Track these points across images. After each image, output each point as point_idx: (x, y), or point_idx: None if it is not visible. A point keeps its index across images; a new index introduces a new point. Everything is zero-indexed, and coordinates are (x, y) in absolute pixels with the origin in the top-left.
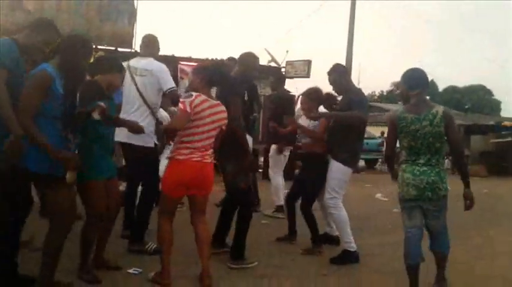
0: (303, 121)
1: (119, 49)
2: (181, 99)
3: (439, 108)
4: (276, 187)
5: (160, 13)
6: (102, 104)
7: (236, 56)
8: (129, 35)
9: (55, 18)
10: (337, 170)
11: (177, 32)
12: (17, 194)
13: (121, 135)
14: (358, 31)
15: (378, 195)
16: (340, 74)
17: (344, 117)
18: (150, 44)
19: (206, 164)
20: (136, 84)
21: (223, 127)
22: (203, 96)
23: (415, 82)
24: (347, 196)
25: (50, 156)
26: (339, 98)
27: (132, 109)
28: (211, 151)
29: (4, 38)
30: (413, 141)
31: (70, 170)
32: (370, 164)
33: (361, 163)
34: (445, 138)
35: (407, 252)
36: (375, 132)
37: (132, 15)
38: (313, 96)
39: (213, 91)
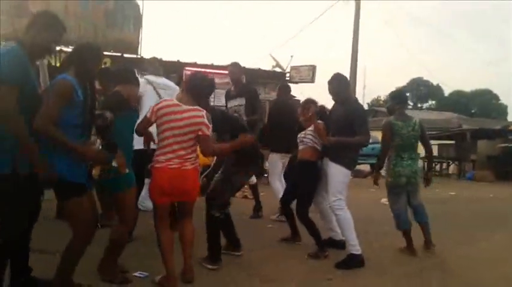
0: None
1: (125, 55)
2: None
3: (416, 119)
4: (276, 191)
5: (165, 18)
6: (121, 156)
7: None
8: (134, 42)
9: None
10: (339, 173)
11: (182, 38)
12: (35, 201)
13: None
14: (363, 35)
15: (383, 200)
16: (340, 83)
17: (350, 143)
18: (156, 66)
19: (185, 171)
20: (160, 96)
21: (200, 133)
22: (170, 102)
23: (399, 100)
24: (352, 200)
25: (76, 158)
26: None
27: None
28: (192, 156)
29: (9, 46)
30: (401, 141)
31: (97, 165)
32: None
33: (367, 168)
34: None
35: (400, 222)
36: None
37: (137, 20)
38: (308, 106)
39: None
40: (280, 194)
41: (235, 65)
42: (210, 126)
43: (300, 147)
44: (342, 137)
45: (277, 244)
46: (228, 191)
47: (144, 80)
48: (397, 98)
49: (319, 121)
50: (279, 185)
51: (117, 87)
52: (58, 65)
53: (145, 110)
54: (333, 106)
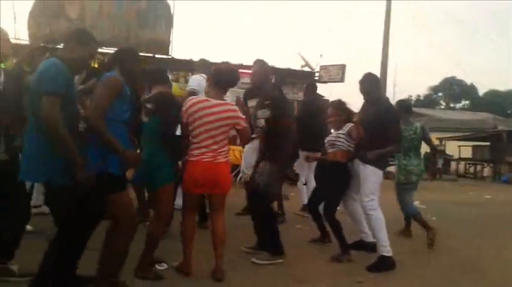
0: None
1: (156, 55)
2: None
3: (418, 124)
4: (300, 189)
5: (195, 18)
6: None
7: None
8: (166, 42)
9: (96, 24)
10: (371, 173)
11: (211, 38)
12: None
13: None
14: (394, 32)
15: (416, 202)
16: (371, 83)
17: (387, 153)
18: (208, 66)
19: (218, 164)
20: None
21: (238, 127)
22: (198, 98)
23: (406, 110)
24: (382, 202)
25: (119, 156)
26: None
27: None
28: (224, 150)
29: (51, 62)
30: (405, 143)
31: (133, 168)
32: None
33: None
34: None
35: (411, 212)
36: None
37: (169, 20)
38: (341, 107)
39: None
40: (303, 192)
41: (257, 62)
42: (244, 118)
43: (331, 150)
44: (372, 136)
45: (307, 244)
46: (272, 189)
47: (203, 78)
48: (404, 108)
49: (349, 124)
50: (301, 184)
51: (157, 88)
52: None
53: None
54: (363, 106)
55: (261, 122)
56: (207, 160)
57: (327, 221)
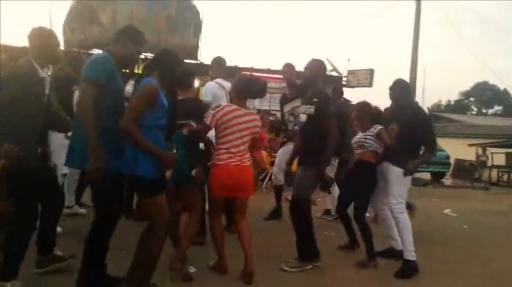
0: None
1: (185, 61)
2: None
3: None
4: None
5: (223, 24)
6: (193, 123)
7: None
8: (194, 47)
9: None
10: (400, 175)
11: (239, 43)
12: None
13: None
14: (423, 36)
15: (447, 210)
16: (402, 89)
17: (423, 162)
18: (224, 66)
19: (244, 167)
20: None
21: (257, 135)
22: (231, 107)
23: None
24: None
25: (155, 158)
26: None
27: None
28: (248, 155)
29: (99, 53)
30: None
31: (169, 169)
32: (437, 177)
33: (427, 176)
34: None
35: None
36: (443, 144)
37: (197, 26)
38: (365, 109)
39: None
40: (326, 197)
41: (287, 65)
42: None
43: (359, 150)
44: (403, 141)
45: (335, 251)
46: (306, 191)
47: (216, 85)
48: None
49: (377, 126)
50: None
51: (185, 92)
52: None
53: None
54: (392, 109)
55: (303, 118)
56: (234, 163)
57: (356, 222)
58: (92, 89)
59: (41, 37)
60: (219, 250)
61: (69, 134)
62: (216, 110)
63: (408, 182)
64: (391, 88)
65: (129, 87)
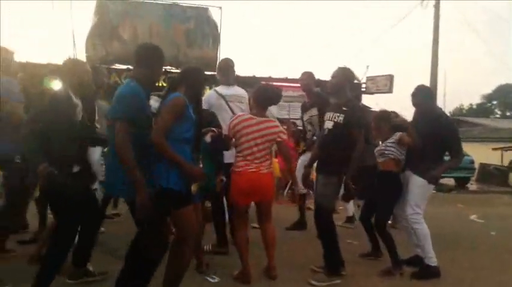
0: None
1: (205, 73)
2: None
3: None
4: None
5: (241, 35)
6: (214, 129)
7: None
8: (213, 58)
9: None
10: (421, 185)
11: (257, 53)
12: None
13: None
14: (443, 39)
15: (473, 216)
16: (424, 95)
17: (448, 169)
18: (228, 71)
19: (262, 174)
20: (233, 111)
21: (278, 139)
22: (245, 116)
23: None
24: (438, 215)
25: (183, 172)
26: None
27: None
28: (267, 162)
29: (128, 86)
30: None
31: (197, 183)
32: (462, 182)
33: (451, 182)
34: None
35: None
36: (466, 148)
37: (215, 38)
38: (383, 118)
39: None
40: (348, 206)
41: (304, 73)
42: (285, 131)
43: (381, 159)
44: (427, 150)
45: (358, 259)
46: (328, 200)
47: (214, 93)
48: None
49: (399, 133)
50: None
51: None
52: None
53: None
54: (416, 116)
55: (329, 125)
56: (251, 170)
57: (377, 233)
58: (125, 127)
59: (75, 68)
60: (243, 257)
61: (105, 149)
62: (231, 120)
63: (428, 192)
64: (413, 95)
65: (153, 103)
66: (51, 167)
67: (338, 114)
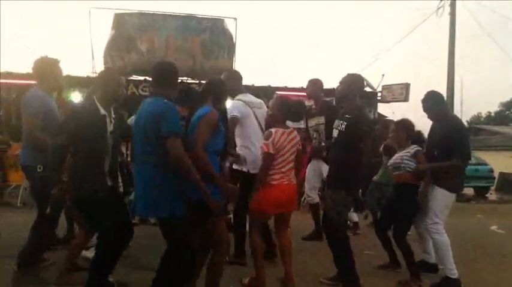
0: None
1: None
2: (263, 141)
3: None
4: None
5: (256, 45)
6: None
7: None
8: (229, 69)
9: (164, 56)
10: (441, 196)
11: (272, 63)
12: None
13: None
14: (459, 45)
15: (493, 227)
16: (435, 101)
17: (443, 168)
18: (238, 80)
19: (293, 185)
20: (256, 117)
21: (298, 147)
22: (280, 130)
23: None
24: (458, 226)
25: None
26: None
27: (257, 139)
28: (293, 172)
29: (167, 104)
30: None
31: (230, 201)
32: (481, 192)
33: (470, 191)
34: None
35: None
36: (485, 157)
37: (231, 49)
38: (401, 125)
39: None
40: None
41: (310, 81)
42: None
43: (396, 172)
44: (441, 157)
45: (375, 271)
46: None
47: (240, 102)
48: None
49: (415, 146)
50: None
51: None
52: None
53: (250, 135)
54: (432, 125)
55: (335, 133)
56: (286, 183)
57: (397, 244)
58: (180, 141)
59: (104, 79)
60: (259, 264)
61: None
62: (272, 137)
63: (449, 202)
64: (423, 101)
65: None
66: (77, 179)
67: (342, 122)
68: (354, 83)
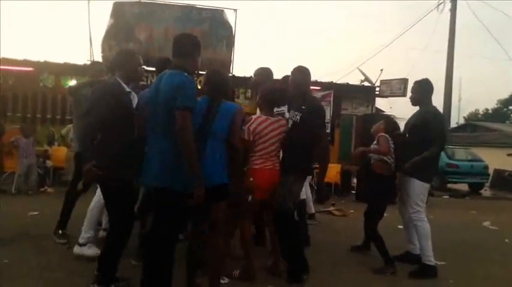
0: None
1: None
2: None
3: None
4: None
5: (255, 37)
6: None
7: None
8: (227, 61)
9: (163, 46)
10: (417, 187)
11: (272, 55)
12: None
13: None
14: (458, 42)
15: (486, 223)
16: (421, 87)
17: (425, 159)
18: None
19: (276, 170)
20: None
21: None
22: (262, 118)
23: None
24: (451, 222)
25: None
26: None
27: None
28: (277, 159)
29: (186, 77)
30: None
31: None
32: (475, 188)
33: (465, 187)
34: None
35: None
36: (481, 154)
37: (230, 40)
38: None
39: None
40: (310, 201)
41: (256, 70)
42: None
43: (375, 157)
44: (414, 141)
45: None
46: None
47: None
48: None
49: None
50: (308, 191)
51: None
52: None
53: None
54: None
55: (289, 123)
56: (269, 167)
57: (366, 233)
58: (191, 115)
59: (126, 57)
60: (249, 254)
61: None
62: (250, 123)
63: (424, 191)
64: (412, 88)
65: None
66: (106, 163)
67: (296, 113)
68: (308, 75)
